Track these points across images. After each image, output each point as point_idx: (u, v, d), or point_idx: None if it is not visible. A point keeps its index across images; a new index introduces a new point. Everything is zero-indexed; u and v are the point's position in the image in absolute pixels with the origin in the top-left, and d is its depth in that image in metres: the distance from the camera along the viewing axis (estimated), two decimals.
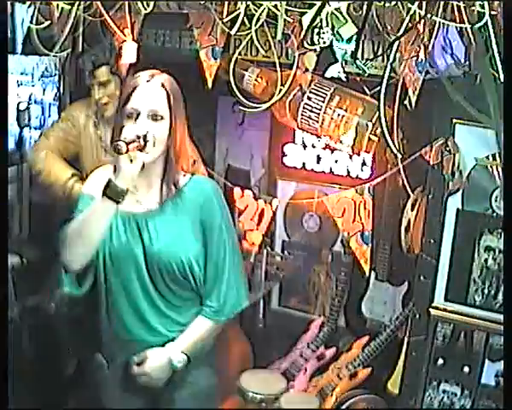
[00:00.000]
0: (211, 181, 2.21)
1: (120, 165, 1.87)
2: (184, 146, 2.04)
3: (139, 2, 2.78)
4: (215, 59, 2.87)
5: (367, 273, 3.14)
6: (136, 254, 2.02)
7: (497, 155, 2.54)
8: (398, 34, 2.27)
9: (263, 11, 2.47)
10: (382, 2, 2.31)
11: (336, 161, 3.45)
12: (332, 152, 3.43)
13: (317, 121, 2.97)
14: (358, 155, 3.28)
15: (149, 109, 1.95)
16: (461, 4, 2.12)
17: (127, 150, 1.85)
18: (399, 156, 2.67)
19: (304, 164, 3.53)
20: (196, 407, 2.18)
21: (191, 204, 2.04)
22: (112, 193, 1.89)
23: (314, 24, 2.26)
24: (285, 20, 2.45)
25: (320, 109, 2.95)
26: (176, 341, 2.08)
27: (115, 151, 1.85)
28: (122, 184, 1.88)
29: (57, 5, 2.83)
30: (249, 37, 2.65)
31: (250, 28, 2.58)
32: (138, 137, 1.89)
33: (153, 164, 1.99)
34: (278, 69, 2.87)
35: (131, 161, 1.87)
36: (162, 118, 1.96)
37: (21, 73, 3.63)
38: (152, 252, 2.01)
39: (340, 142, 2.96)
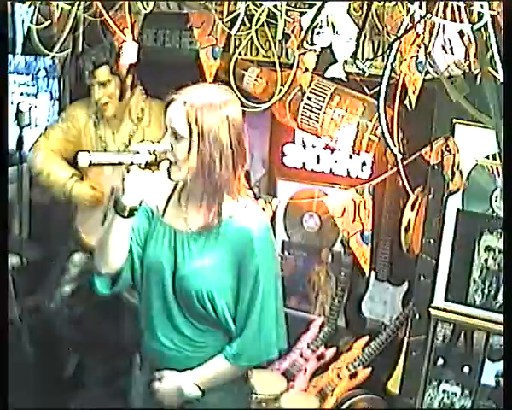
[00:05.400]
0: (260, 219, 2.01)
1: (124, 183, 1.89)
2: (227, 170, 1.90)
3: (139, 2, 2.79)
4: (215, 59, 2.87)
5: (367, 273, 3.14)
6: (165, 270, 2.00)
7: (497, 155, 2.54)
8: (398, 34, 2.27)
9: (263, 11, 2.48)
10: (382, 2, 2.31)
11: (336, 161, 3.44)
12: (332, 152, 3.43)
13: (317, 121, 2.97)
14: (358, 155, 3.28)
15: (171, 127, 1.90)
16: (461, 4, 2.12)
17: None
18: (399, 156, 2.67)
19: (304, 164, 3.53)
20: None
21: (229, 240, 1.95)
22: (117, 208, 1.92)
23: (314, 24, 2.26)
24: (285, 20, 2.45)
25: (320, 109, 2.95)
26: (193, 371, 2.03)
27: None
28: (126, 201, 1.90)
29: (57, 5, 2.84)
30: (249, 37, 2.65)
31: (250, 28, 2.58)
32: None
33: (196, 185, 1.93)
34: (278, 69, 2.87)
35: (136, 179, 1.88)
36: (183, 137, 1.88)
37: (21, 73, 3.64)
38: (179, 274, 1.98)
39: (341, 142, 2.96)
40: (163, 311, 2.02)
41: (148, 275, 2.04)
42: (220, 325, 2.01)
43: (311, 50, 2.66)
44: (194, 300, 1.96)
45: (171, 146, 1.90)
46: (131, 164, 1.86)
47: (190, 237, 1.99)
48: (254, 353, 2.03)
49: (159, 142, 1.95)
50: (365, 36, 2.60)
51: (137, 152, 1.87)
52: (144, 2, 2.77)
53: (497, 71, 2.13)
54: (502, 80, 2.08)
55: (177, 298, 2.00)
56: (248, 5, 2.50)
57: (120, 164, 1.88)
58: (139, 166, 1.87)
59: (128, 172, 1.87)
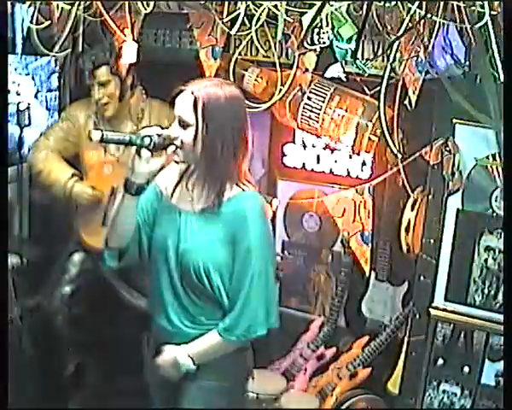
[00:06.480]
0: (255, 199, 2.13)
1: (134, 162, 2.01)
2: (229, 158, 2.03)
3: (139, 2, 2.79)
4: (215, 59, 2.87)
5: (367, 273, 3.15)
6: (170, 248, 2.11)
7: (497, 155, 2.54)
8: (398, 34, 2.27)
9: (263, 11, 2.48)
10: (382, 2, 2.31)
11: (336, 161, 3.44)
12: (332, 152, 3.43)
13: (317, 121, 2.97)
14: (358, 155, 3.28)
15: (179, 115, 2.02)
16: (461, 4, 2.12)
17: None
18: (399, 156, 2.67)
19: (304, 164, 3.53)
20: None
21: (225, 219, 2.07)
22: (126, 186, 2.04)
23: (314, 24, 2.27)
24: (285, 20, 2.45)
25: (320, 109, 2.95)
26: (189, 344, 2.12)
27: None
28: (134, 179, 2.02)
29: (57, 5, 2.84)
30: (249, 37, 2.65)
31: (250, 28, 2.58)
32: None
33: (200, 170, 2.06)
34: (278, 69, 2.87)
35: (144, 160, 1.99)
36: (189, 125, 2.00)
37: (21, 73, 3.63)
38: (180, 250, 2.10)
39: (340, 142, 2.96)
40: (169, 287, 2.13)
41: (156, 253, 2.16)
42: (216, 300, 2.11)
43: (311, 50, 2.66)
44: (192, 274, 2.08)
45: (178, 133, 2.01)
46: (140, 145, 1.98)
47: (193, 216, 2.11)
48: (243, 328, 2.09)
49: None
50: (365, 36, 2.60)
51: (146, 134, 1.98)
52: (144, 2, 2.77)
53: (497, 71, 2.13)
54: (502, 80, 2.08)
55: (179, 274, 2.11)
56: (248, 5, 2.50)
57: (130, 144, 2.00)
58: (147, 148, 1.98)
59: (137, 152, 1.99)
